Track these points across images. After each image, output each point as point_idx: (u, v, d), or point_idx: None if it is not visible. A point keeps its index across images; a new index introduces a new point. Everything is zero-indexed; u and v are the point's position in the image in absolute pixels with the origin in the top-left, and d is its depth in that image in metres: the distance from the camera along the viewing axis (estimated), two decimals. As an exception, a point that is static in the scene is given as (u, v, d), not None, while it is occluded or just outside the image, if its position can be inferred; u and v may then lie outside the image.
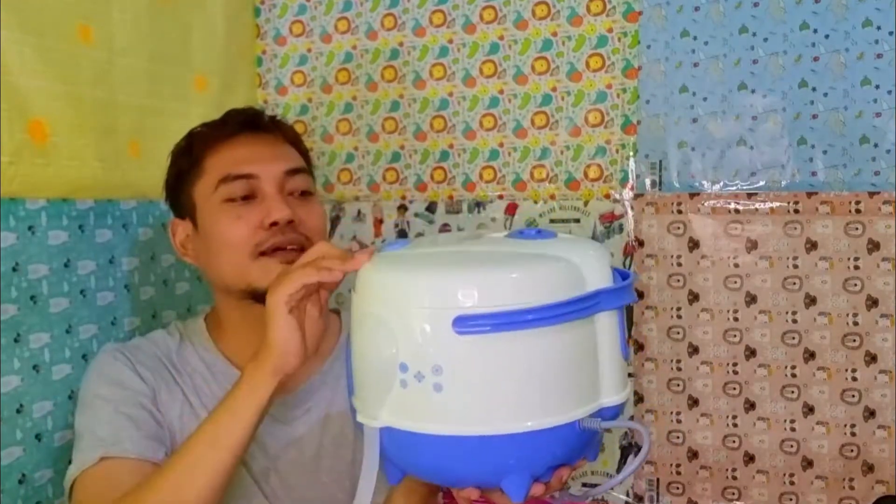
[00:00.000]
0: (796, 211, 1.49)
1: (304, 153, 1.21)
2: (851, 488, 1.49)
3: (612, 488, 1.59)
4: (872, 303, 1.47)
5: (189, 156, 1.17)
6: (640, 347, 1.57)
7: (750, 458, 1.54)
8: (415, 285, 0.82)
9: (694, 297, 1.55)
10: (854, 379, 1.48)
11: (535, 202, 1.61)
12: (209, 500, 0.95)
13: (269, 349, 0.95)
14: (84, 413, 1.09)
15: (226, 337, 1.18)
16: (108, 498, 0.97)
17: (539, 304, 0.79)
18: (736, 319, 1.53)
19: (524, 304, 0.79)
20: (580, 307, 0.82)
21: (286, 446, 1.14)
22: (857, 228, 1.47)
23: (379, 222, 1.69)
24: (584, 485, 1.60)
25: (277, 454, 1.14)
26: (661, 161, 1.55)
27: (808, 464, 1.51)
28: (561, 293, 0.81)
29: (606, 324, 0.85)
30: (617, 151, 1.57)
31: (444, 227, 1.66)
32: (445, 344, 0.79)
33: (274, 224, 1.10)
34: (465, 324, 0.78)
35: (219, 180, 1.12)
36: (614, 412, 0.87)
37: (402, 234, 1.68)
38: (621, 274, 0.88)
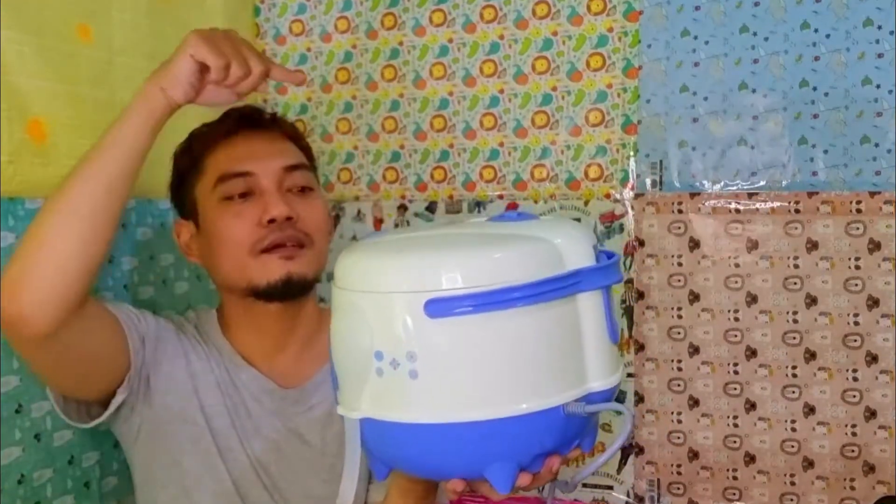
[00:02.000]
0: (797, 211, 1.49)
1: (304, 149, 1.22)
2: (852, 489, 1.49)
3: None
4: (873, 303, 1.46)
5: (189, 156, 1.17)
6: (640, 347, 1.57)
7: (751, 459, 1.54)
8: (386, 268, 0.80)
9: (694, 297, 1.55)
10: (855, 379, 1.48)
11: (536, 202, 1.61)
12: (100, 216, 0.97)
13: (161, 72, 0.99)
14: None
15: (232, 332, 1.19)
16: None
17: (515, 284, 0.77)
18: (737, 319, 1.53)
19: (499, 285, 0.76)
20: (557, 286, 0.79)
21: (288, 442, 1.15)
22: (857, 228, 1.46)
23: (379, 222, 1.69)
24: (585, 485, 1.59)
25: (279, 449, 1.14)
26: (661, 161, 1.55)
27: (808, 464, 1.51)
28: (538, 273, 0.78)
29: (590, 305, 0.82)
30: (617, 151, 1.57)
31: (444, 227, 1.66)
32: (418, 329, 0.77)
33: (272, 221, 1.10)
34: (437, 307, 0.76)
35: (217, 179, 1.13)
36: (604, 397, 0.83)
37: (402, 234, 1.68)
38: (607, 255, 0.85)
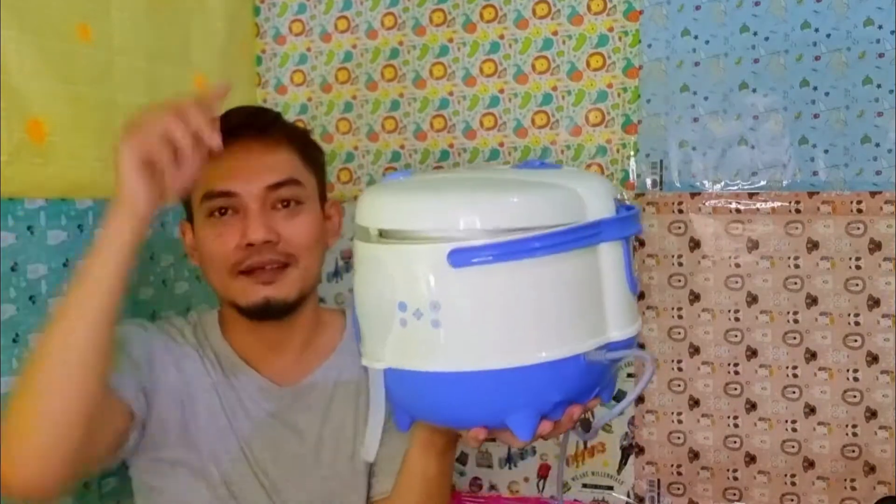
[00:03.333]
0: (797, 211, 1.49)
1: (304, 154, 1.17)
2: (853, 489, 1.49)
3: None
4: (874, 303, 1.46)
5: None
6: (640, 348, 1.57)
7: (751, 459, 1.54)
8: (412, 209, 0.81)
9: (695, 297, 1.54)
10: (855, 379, 1.48)
11: (536, 202, 1.60)
12: (90, 353, 0.90)
13: (118, 197, 0.92)
14: None
15: (231, 334, 1.19)
16: None
17: (537, 230, 0.77)
18: (737, 319, 1.53)
19: (522, 230, 0.77)
20: (578, 236, 0.80)
21: (286, 440, 1.15)
22: (858, 228, 1.46)
23: (379, 222, 1.69)
24: (585, 486, 1.60)
25: (278, 448, 1.14)
26: (661, 160, 1.55)
27: (809, 464, 1.51)
28: (560, 220, 0.79)
29: (610, 256, 0.82)
30: (618, 151, 1.57)
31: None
32: (441, 279, 0.78)
33: (250, 245, 1.09)
34: (460, 257, 0.77)
35: (202, 195, 1.12)
36: (623, 346, 0.85)
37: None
38: (626, 208, 0.86)
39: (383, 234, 0.83)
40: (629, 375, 1.54)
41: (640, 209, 0.79)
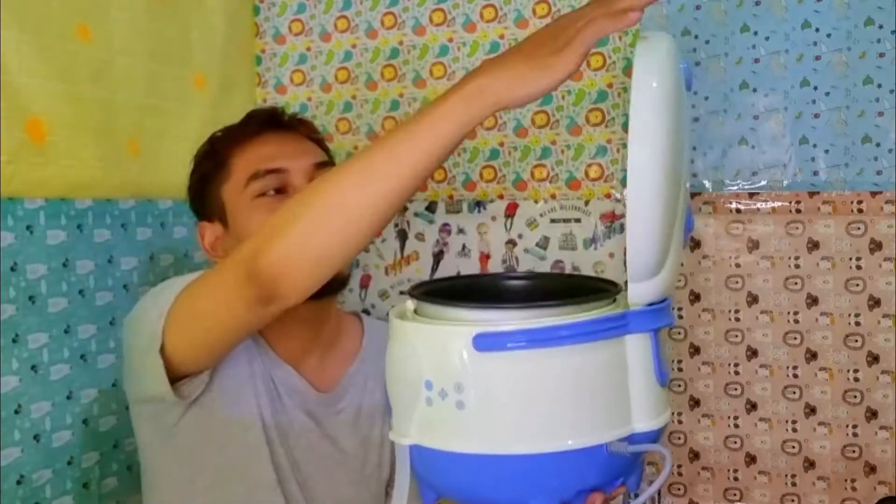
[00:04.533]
0: (798, 210, 1.49)
1: (326, 149, 1.23)
2: (853, 489, 1.49)
3: None
4: (874, 303, 1.46)
5: (213, 158, 1.17)
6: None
7: (751, 459, 1.54)
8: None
9: (695, 298, 1.54)
10: (856, 379, 1.48)
11: (536, 202, 1.60)
12: (378, 215, 0.85)
13: (512, 74, 0.80)
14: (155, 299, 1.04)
15: (270, 330, 1.15)
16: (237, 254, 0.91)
17: (567, 315, 0.79)
18: (737, 320, 1.53)
19: (552, 314, 0.79)
20: (605, 327, 0.80)
21: (320, 442, 1.16)
22: (858, 228, 1.46)
23: (379, 222, 1.69)
24: None
25: (312, 448, 1.15)
26: (662, 160, 1.54)
27: (809, 465, 1.51)
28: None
29: (638, 347, 0.82)
30: (618, 151, 1.57)
31: (444, 227, 1.66)
32: (467, 361, 0.79)
33: None
34: (485, 341, 0.78)
35: (249, 177, 1.13)
36: (649, 438, 0.85)
37: (402, 234, 1.68)
38: (659, 301, 0.85)
39: (418, 306, 0.86)
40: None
41: (672, 300, 0.80)
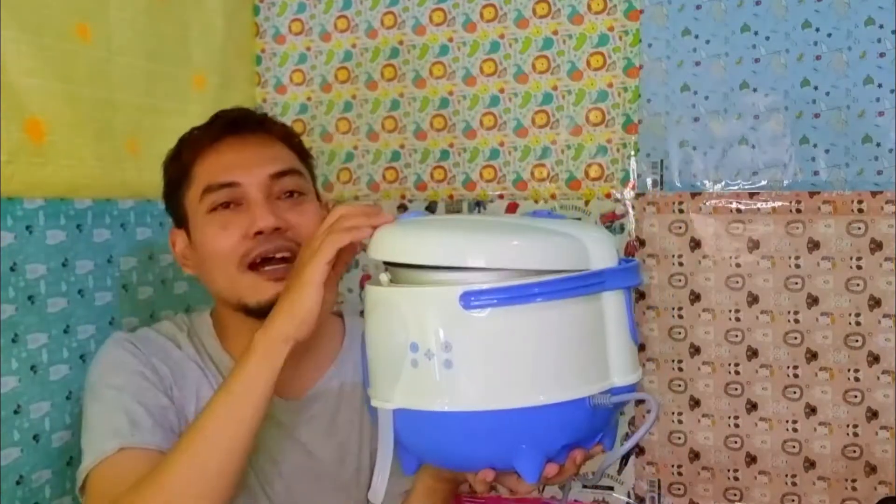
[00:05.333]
0: (798, 210, 1.48)
1: (299, 151, 1.17)
2: (854, 489, 1.49)
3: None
4: (875, 303, 1.46)
5: (178, 163, 1.14)
6: (641, 348, 1.57)
7: (752, 459, 1.53)
8: (424, 245, 0.85)
9: (695, 297, 1.54)
10: (856, 379, 1.48)
11: (536, 202, 1.60)
12: (229, 475, 0.94)
13: (285, 316, 0.93)
14: (95, 403, 1.07)
15: (228, 340, 1.15)
16: (127, 488, 0.95)
17: (546, 276, 0.81)
18: (738, 319, 1.52)
19: (529, 273, 0.81)
20: (586, 283, 0.83)
21: (291, 452, 1.13)
22: (859, 228, 1.46)
23: (379, 222, 1.68)
24: (585, 486, 1.59)
25: (282, 460, 1.12)
26: (662, 160, 1.55)
27: (810, 465, 1.51)
28: (568, 267, 0.83)
29: (613, 304, 0.86)
30: (618, 150, 1.57)
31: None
32: (453, 320, 0.81)
33: (259, 233, 1.06)
34: (472, 299, 0.80)
35: (203, 189, 1.10)
36: (626, 392, 0.87)
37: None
38: (626, 261, 0.90)
39: (394, 275, 0.88)
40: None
41: (641, 262, 0.85)
